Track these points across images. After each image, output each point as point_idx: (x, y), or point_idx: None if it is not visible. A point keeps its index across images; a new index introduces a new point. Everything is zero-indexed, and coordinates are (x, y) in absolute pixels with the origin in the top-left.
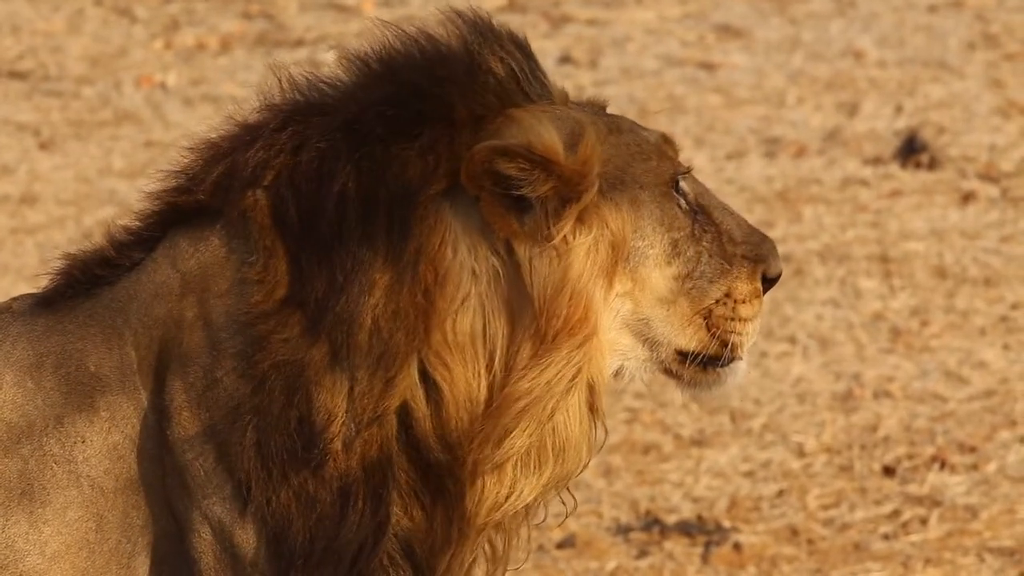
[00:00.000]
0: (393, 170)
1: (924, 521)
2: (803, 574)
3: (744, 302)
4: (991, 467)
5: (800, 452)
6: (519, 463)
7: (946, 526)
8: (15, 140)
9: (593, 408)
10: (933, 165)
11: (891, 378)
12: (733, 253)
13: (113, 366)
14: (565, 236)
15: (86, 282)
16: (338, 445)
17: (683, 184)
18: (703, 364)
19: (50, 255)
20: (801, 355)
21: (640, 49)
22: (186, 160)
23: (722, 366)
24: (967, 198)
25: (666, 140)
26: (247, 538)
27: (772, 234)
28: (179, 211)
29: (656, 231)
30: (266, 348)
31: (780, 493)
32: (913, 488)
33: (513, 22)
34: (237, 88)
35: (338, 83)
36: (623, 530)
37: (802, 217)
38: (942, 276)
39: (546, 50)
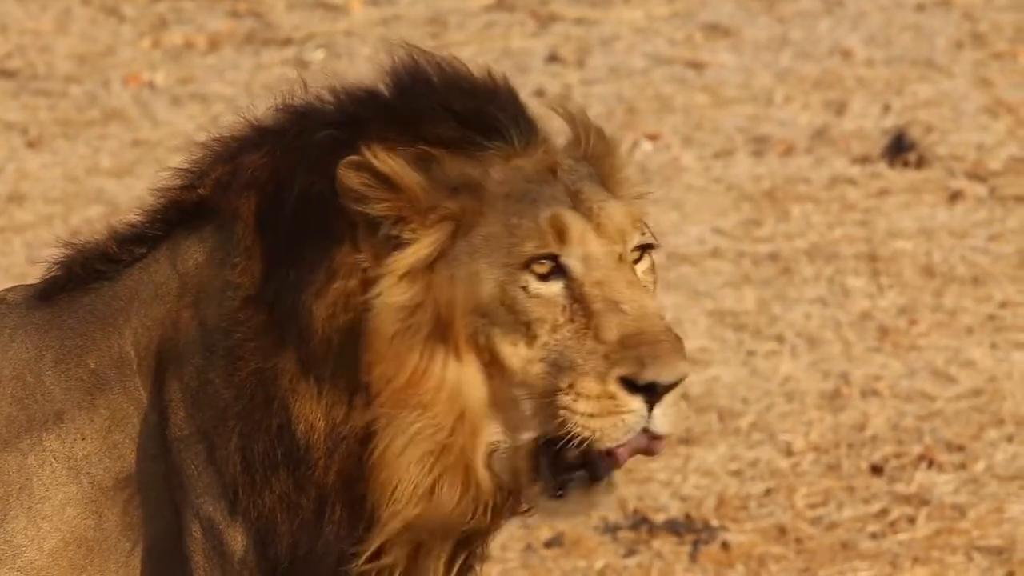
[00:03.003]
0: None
1: (912, 520)
2: (791, 573)
3: (590, 398)
4: (979, 466)
5: (788, 451)
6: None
7: (934, 525)
8: (3, 139)
9: (461, 485)
10: (921, 164)
11: (879, 377)
12: (592, 350)
13: (113, 365)
14: (381, 289)
15: (86, 276)
16: (319, 457)
17: (566, 264)
18: (556, 470)
19: (37, 254)
20: (789, 354)
21: (628, 48)
22: (195, 157)
23: (574, 480)
24: (955, 197)
25: (555, 222)
26: (236, 537)
27: (760, 233)
28: (181, 208)
29: (497, 310)
30: (243, 356)
31: (768, 492)
32: (901, 487)
33: (501, 20)
34: (225, 87)
35: (349, 94)
36: (611, 529)
37: (790, 216)
38: (930, 275)
39: (533, 49)
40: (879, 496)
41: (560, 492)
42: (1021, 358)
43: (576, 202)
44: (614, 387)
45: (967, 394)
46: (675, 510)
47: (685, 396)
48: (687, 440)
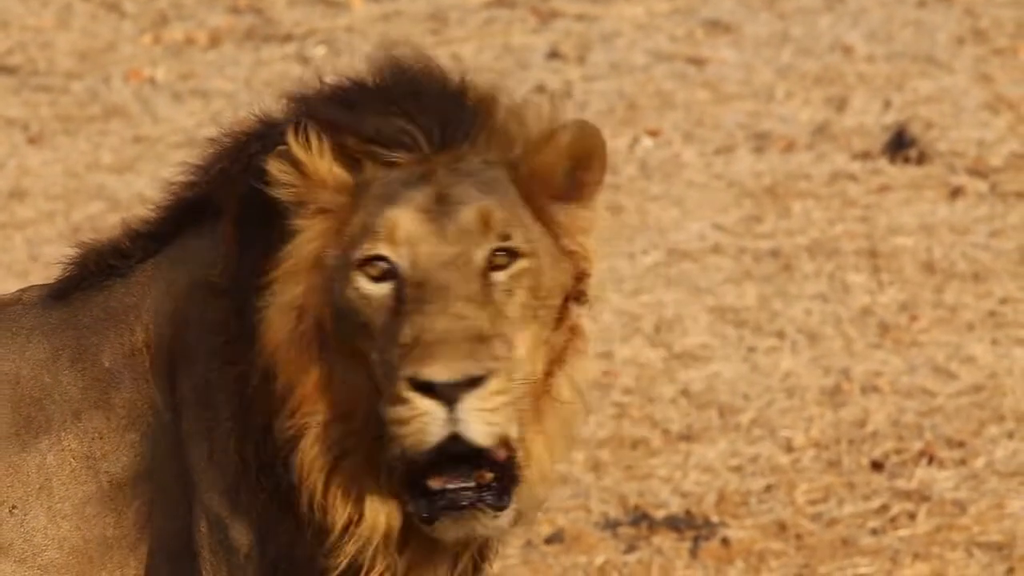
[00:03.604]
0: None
1: (912, 516)
2: (791, 569)
3: (393, 403)
4: (979, 462)
5: (788, 447)
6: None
7: (934, 521)
8: (4, 135)
9: (385, 493)
10: (922, 160)
11: (879, 373)
12: (394, 353)
13: (126, 363)
14: (274, 285)
15: (100, 273)
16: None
17: (397, 265)
18: (425, 495)
19: (38, 250)
20: (789, 350)
21: (629, 44)
22: (207, 152)
23: (438, 508)
24: (956, 193)
25: (387, 222)
26: (241, 532)
27: (761, 229)
28: (191, 204)
29: (342, 314)
30: (229, 358)
31: (768, 488)
32: (901, 483)
33: (501, 17)
34: (226, 83)
35: (343, 87)
36: (611, 525)
37: (791, 212)
38: (931, 271)
39: (534, 45)
40: (879, 492)
41: (427, 517)
42: (1022, 354)
43: (432, 204)
44: (404, 390)
45: (968, 390)
46: (675, 506)
47: (685, 392)
48: (687, 436)
